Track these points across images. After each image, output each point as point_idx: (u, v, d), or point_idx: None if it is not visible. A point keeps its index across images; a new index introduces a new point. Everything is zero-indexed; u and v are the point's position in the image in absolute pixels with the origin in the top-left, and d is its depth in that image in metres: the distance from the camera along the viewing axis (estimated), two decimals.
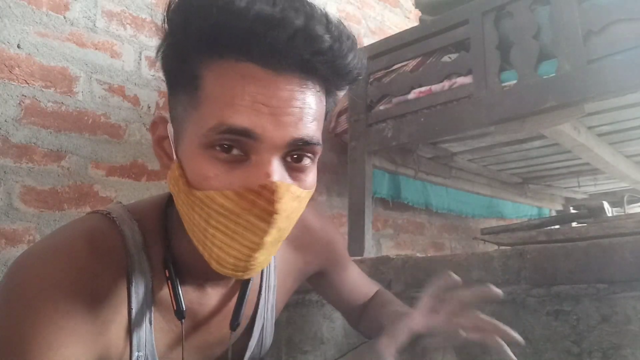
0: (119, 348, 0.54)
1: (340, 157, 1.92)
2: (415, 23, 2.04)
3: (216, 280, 0.62)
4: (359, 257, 1.23)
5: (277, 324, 1.16)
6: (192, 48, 0.48)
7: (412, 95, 1.37)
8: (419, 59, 1.44)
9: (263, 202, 0.46)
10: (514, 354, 0.60)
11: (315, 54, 0.47)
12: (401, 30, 1.54)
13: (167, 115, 0.55)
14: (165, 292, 0.57)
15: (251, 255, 0.49)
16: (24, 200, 1.10)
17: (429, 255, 1.01)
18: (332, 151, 1.93)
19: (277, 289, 0.71)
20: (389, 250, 2.06)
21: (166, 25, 0.49)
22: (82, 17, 1.23)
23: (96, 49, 1.25)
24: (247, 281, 0.63)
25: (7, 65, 1.10)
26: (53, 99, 1.17)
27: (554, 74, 1.10)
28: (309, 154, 0.50)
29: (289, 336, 1.15)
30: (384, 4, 2.39)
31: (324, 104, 0.53)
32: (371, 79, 1.52)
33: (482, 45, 1.22)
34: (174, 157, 0.51)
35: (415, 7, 1.72)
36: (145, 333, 0.56)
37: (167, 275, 0.56)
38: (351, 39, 0.49)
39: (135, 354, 0.55)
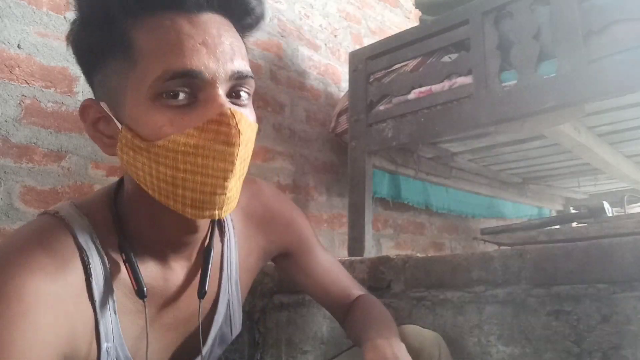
0: (86, 341, 0.54)
1: (340, 157, 1.92)
2: (415, 23, 2.04)
3: (179, 252, 0.62)
4: (359, 257, 1.23)
5: (277, 324, 1.17)
6: (117, 15, 0.51)
7: (412, 95, 1.38)
8: (419, 59, 1.44)
9: (225, 127, 0.50)
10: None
11: None
12: (401, 30, 1.54)
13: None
14: (125, 277, 0.58)
15: (225, 186, 0.52)
16: (24, 200, 1.10)
17: (429, 255, 1.01)
18: (332, 151, 1.93)
19: (239, 265, 0.71)
20: (389, 250, 2.06)
21: (79, 6, 0.53)
22: None
23: None
24: (209, 250, 0.64)
25: (7, 65, 1.10)
26: (53, 99, 1.17)
27: (554, 74, 1.10)
28: (246, 88, 0.55)
29: (289, 336, 1.15)
30: (384, 4, 2.39)
31: (244, 45, 0.58)
32: (371, 79, 1.52)
33: (482, 45, 1.22)
34: (119, 125, 0.53)
35: (416, 7, 1.72)
36: (112, 323, 0.56)
37: (124, 258, 0.57)
38: None
39: (104, 345, 0.55)
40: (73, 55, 0.56)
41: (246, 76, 0.54)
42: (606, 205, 1.37)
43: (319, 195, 1.85)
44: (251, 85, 0.56)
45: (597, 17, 1.05)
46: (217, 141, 0.50)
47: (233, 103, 0.53)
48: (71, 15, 0.53)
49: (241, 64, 0.54)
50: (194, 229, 0.61)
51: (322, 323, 1.10)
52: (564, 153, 1.79)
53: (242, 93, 0.55)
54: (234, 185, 0.53)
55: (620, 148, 1.75)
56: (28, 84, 1.13)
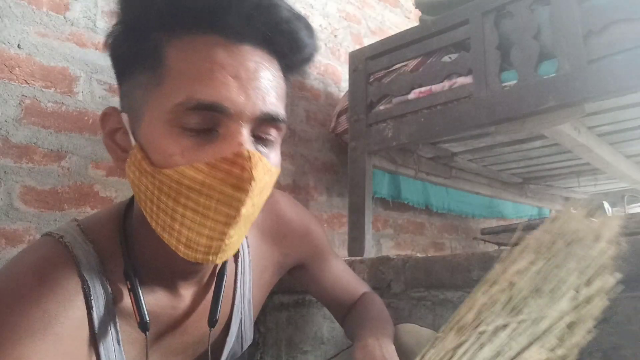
0: None
1: (340, 157, 1.92)
2: (415, 23, 2.04)
3: (188, 279, 0.60)
4: (359, 257, 1.23)
5: (277, 324, 1.17)
6: (153, 25, 0.48)
7: (412, 95, 1.37)
8: (419, 59, 1.44)
9: (238, 170, 0.45)
10: None
11: (276, 25, 0.48)
12: (401, 30, 1.54)
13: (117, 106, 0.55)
14: (130, 306, 0.55)
15: (225, 233, 0.47)
16: (24, 200, 1.10)
17: (429, 255, 1.01)
18: (332, 151, 1.93)
19: (253, 282, 0.69)
20: (389, 250, 2.06)
21: (119, 9, 0.50)
22: (82, 17, 1.23)
23: (96, 49, 1.25)
24: (222, 276, 0.61)
25: (7, 65, 1.10)
26: (53, 99, 1.17)
27: (554, 74, 1.10)
28: (274, 131, 0.51)
29: (289, 336, 1.15)
30: (384, 4, 2.39)
31: (285, 85, 0.53)
32: (371, 79, 1.52)
33: (482, 45, 1.22)
34: (132, 142, 0.50)
35: (416, 7, 1.72)
36: (115, 354, 0.53)
37: (129, 287, 0.54)
38: (305, 18, 0.51)
39: None
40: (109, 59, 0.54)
41: (277, 120, 0.49)
42: (606, 205, 1.37)
43: (319, 195, 1.85)
44: (281, 129, 0.51)
45: (597, 17, 1.05)
46: (226, 183, 0.46)
47: (257, 143, 0.49)
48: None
49: (274, 105, 0.49)
50: None
51: (322, 323, 1.10)
52: (564, 153, 1.79)
53: (269, 134, 0.50)
54: (236, 233, 0.49)
55: (620, 148, 1.75)
56: (28, 84, 1.13)
